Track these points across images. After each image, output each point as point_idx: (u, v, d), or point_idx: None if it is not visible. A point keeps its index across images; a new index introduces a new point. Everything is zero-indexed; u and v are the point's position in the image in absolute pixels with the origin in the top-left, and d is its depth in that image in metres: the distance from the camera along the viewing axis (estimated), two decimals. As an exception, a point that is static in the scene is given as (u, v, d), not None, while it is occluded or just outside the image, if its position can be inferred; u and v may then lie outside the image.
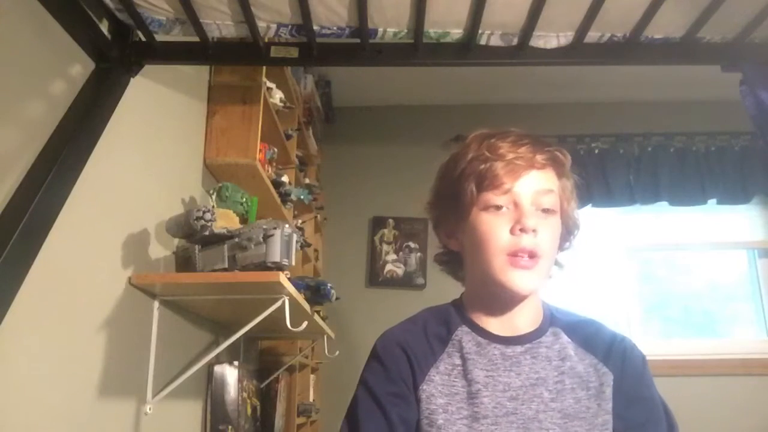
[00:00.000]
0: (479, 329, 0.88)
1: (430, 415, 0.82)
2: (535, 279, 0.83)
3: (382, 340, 0.90)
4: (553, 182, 0.86)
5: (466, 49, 1.31)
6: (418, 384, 0.84)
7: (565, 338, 0.88)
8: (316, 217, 2.89)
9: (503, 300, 0.87)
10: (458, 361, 0.86)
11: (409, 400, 0.84)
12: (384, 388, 0.84)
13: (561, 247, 0.90)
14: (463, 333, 0.88)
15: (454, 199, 0.87)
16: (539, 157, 0.84)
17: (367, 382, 0.86)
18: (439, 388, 0.84)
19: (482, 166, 0.84)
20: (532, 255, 0.81)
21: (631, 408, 0.85)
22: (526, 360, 0.85)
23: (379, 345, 0.89)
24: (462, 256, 0.92)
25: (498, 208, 0.83)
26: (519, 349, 0.86)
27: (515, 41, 1.30)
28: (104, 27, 1.25)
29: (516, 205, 0.83)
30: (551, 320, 0.90)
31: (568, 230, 0.90)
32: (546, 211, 0.84)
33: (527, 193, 0.83)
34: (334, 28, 1.27)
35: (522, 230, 0.81)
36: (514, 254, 0.81)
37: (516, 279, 0.82)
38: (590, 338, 0.89)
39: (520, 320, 0.88)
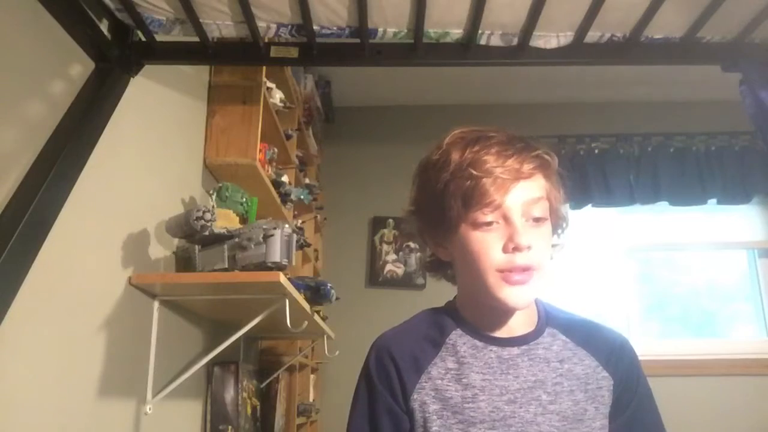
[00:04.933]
0: (474, 332, 0.87)
1: (424, 423, 0.82)
2: (532, 292, 0.81)
3: (374, 351, 0.88)
4: (542, 187, 0.83)
5: (466, 49, 1.31)
6: (408, 394, 0.83)
7: (562, 338, 0.87)
8: (316, 217, 2.89)
9: (498, 310, 0.86)
10: (452, 365, 0.84)
11: (400, 416, 0.84)
12: (375, 409, 0.84)
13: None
14: (457, 336, 0.87)
15: (440, 214, 0.83)
16: (526, 167, 0.81)
17: (359, 404, 0.87)
18: (431, 394, 0.83)
19: (468, 183, 0.80)
20: (527, 269, 0.79)
21: (628, 414, 0.85)
22: (524, 362, 0.84)
23: (371, 358, 0.88)
24: (452, 264, 0.90)
25: (488, 224, 0.80)
26: (515, 351, 0.85)
27: (515, 41, 1.30)
28: (104, 27, 1.25)
29: (506, 219, 0.80)
30: (547, 320, 0.89)
31: (557, 227, 0.88)
32: (537, 220, 0.81)
33: (517, 205, 0.80)
34: (334, 28, 1.28)
35: (516, 249, 0.79)
36: (508, 271, 0.79)
37: (512, 295, 0.80)
38: (589, 339, 0.88)
39: (515, 322, 0.86)
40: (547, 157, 0.84)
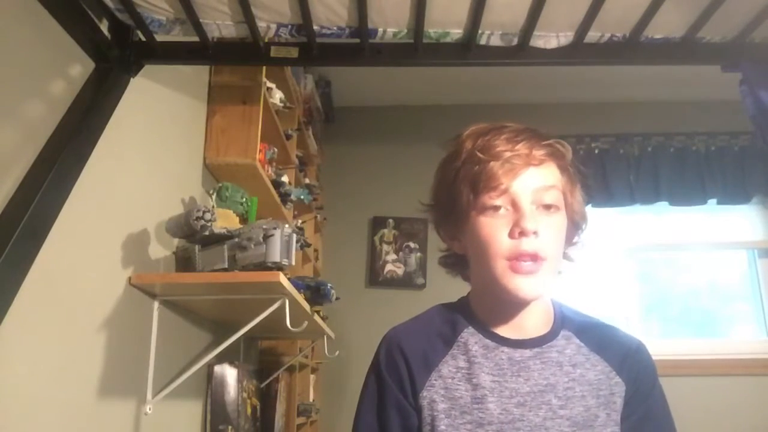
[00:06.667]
0: (486, 331, 0.85)
1: (432, 421, 0.81)
2: (540, 284, 0.79)
3: (385, 344, 0.87)
4: (555, 177, 0.81)
5: (466, 49, 1.31)
6: (418, 391, 0.82)
7: (576, 342, 0.85)
8: (316, 217, 2.89)
9: (510, 304, 0.84)
10: (463, 364, 0.83)
11: (409, 411, 0.83)
12: (383, 403, 0.84)
13: (569, 242, 0.86)
14: (469, 334, 0.85)
15: (452, 203, 0.83)
16: (537, 153, 0.79)
17: (368, 397, 0.86)
18: (441, 393, 0.82)
19: (477, 168, 0.79)
20: (535, 258, 0.77)
21: (639, 421, 0.83)
22: (536, 365, 0.82)
23: (382, 351, 0.87)
24: (466, 258, 0.89)
25: (496, 209, 0.79)
26: (527, 353, 0.83)
27: (515, 41, 1.30)
28: (104, 27, 1.25)
29: (514, 205, 0.78)
30: (562, 322, 0.87)
31: (574, 224, 0.86)
32: (549, 207, 0.79)
33: (526, 191, 0.78)
34: (334, 28, 1.28)
35: (522, 233, 0.77)
36: (515, 259, 0.77)
37: (519, 285, 0.78)
38: (604, 343, 0.86)
39: (529, 322, 0.85)
40: (559, 146, 0.83)
